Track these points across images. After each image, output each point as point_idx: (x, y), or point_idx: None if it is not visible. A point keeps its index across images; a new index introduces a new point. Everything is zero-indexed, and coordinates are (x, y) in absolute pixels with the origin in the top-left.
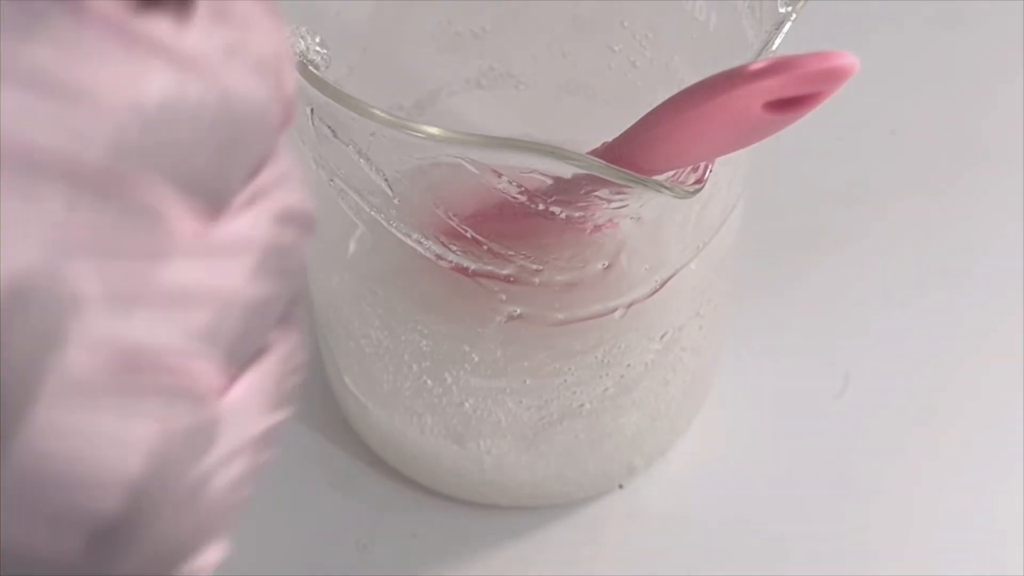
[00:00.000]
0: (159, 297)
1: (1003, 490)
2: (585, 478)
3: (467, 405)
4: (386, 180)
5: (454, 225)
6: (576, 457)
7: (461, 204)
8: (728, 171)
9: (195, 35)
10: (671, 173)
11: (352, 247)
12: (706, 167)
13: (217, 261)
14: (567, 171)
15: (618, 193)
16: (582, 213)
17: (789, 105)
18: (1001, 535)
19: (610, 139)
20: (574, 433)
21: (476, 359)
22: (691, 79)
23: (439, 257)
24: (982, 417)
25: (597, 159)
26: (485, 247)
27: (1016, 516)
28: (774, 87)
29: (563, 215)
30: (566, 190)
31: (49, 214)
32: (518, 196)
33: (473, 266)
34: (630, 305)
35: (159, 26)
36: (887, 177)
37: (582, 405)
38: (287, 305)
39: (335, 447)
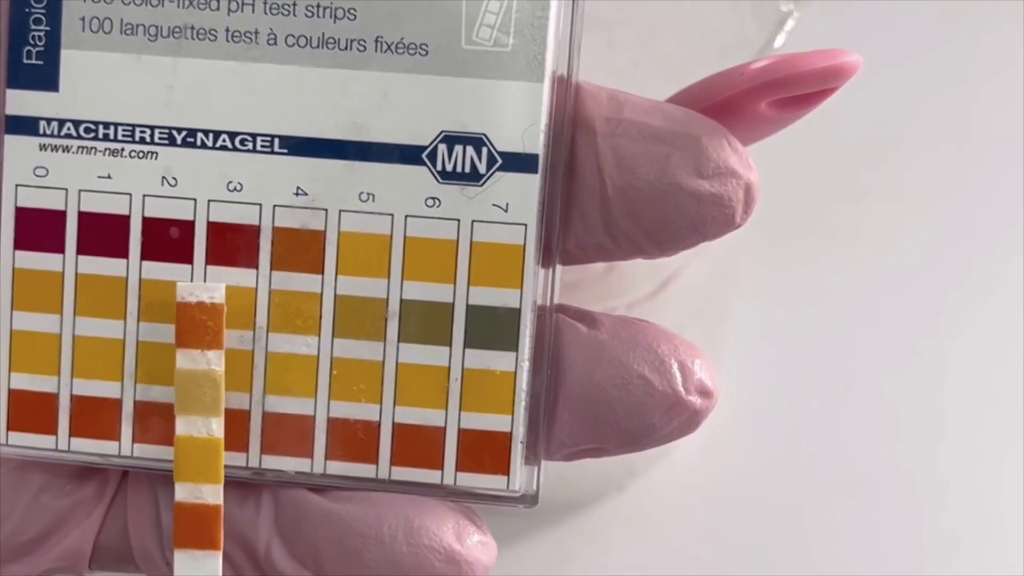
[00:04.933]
0: None
1: (1004, 490)
2: (585, 478)
3: None
4: None
5: None
6: None
7: None
8: None
9: None
10: None
11: None
12: None
13: None
14: None
15: None
16: None
17: (791, 104)
18: (1002, 535)
19: None
20: None
21: None
22: (691, 78)
23: None
24: (983, 417)
25: None
26: None
27: (1017, 516)
28: (776, 86)
29: None
30: None
31: None
32: None
33: None
34: (630, 305)
35: None
36: (888, 178)
37: None
38: None
39: None
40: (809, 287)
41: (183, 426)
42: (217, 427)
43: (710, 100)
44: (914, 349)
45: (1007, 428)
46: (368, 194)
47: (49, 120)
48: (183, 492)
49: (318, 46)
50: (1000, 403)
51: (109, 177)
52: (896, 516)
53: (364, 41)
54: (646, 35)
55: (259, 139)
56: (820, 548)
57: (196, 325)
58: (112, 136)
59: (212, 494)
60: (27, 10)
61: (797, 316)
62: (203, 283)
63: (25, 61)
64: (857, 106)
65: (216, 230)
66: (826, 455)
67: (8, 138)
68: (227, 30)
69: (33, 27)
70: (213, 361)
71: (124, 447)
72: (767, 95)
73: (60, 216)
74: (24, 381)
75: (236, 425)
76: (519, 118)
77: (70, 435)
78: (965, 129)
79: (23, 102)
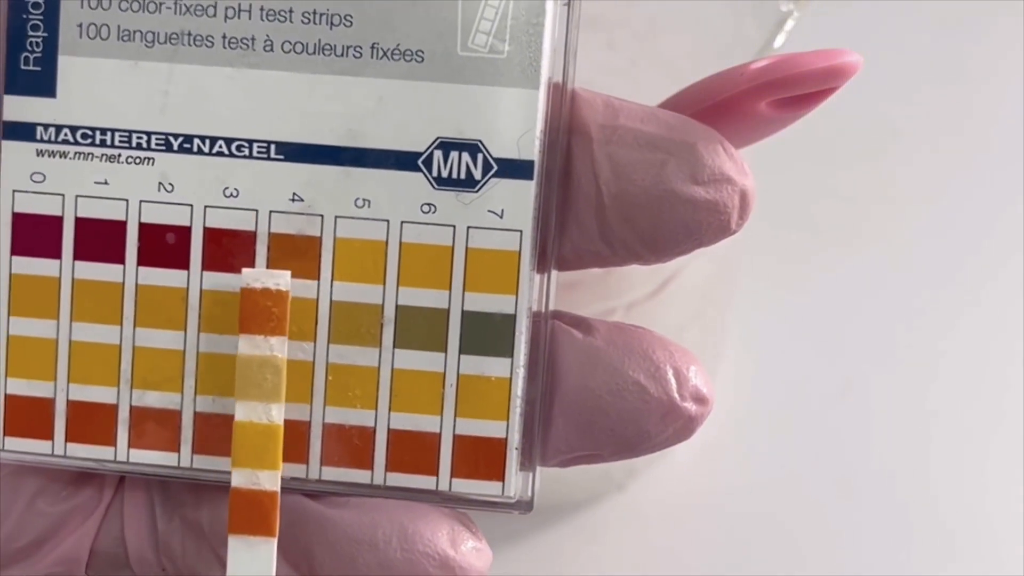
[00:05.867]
0: None
1: (1004, 490)
2: (586, 478)
3: None
4: None
5: None
6: None
7: None
8: None
9: None
10: None
11: None
12: None
13: None
14: None
15: None
16: None
17: (791, 104)
18: (1001, 535)
19: None
20: None
21: None
22: (691, 78)
23: None
24: (984, 418)
25: None
26: None
27: (1016, 516)
28: (775, 86)
29: None
30: None
31: None
32: None
33: None
34: (630, 305)
35: None
36: (888, 177)
37: None
38: None
39: None
40: (809, 287)
41: (242, 412)
42: (277, 413)
43: (710, 100)
44: (915, 349)
45: (1007, 428)
46: (364, 200)
47: (46, 126)
48: (240, 478)
49: (314, 52)
50: (1000, 403)
51: (106, 183)
52: (896, 517)
53: (360, 48)
54: (646, 35)
55: (255, 145)
56: (820, 548)
57: (260, 311)
58: (109, 142)
59: (269, 480)
60: (25, 16)
61: (797, 316)
62: (269, 270)
63: (23, 67)
64: (857, 106)
65: (212, 236)
66: (826, 455)
67: (5, 144)
68: (224, 36)
69: (31, 33)
70: (276, 347)
71: (120, 453)
72: (767, 95)
73: (57, 222)
74: (21, 386)
75: (231, 431)
76: (515, 125)
77: (66, 440)
78: (964, 128)
79: (21, 108)
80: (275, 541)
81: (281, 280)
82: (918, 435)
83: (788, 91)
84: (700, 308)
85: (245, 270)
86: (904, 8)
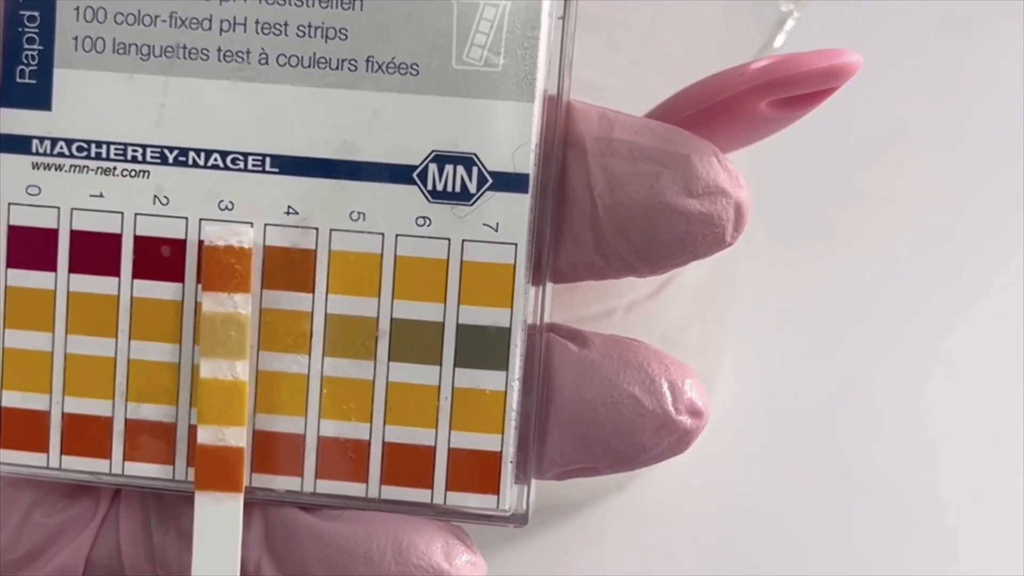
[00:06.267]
0: None
1: (1004, 490)
2: (585, 478)
3: None
4: None
5: None
6: None
7: None
8: None
9: None
10: None
11: None
12: None
13: None
14: None
15: None
16: None
17: (791, 104)
18: (1002, 535)
19: None
20: None
21: None
22: (691, 79)
23: None
24: (983, 416)
25: None
26: None
27: (1017, 516)
28: (775, 86)
29: None
30: None
31: None
32: None
33: None
34: (630, 305)
35: None
36: (887, 177)
37: None
38: None
39: None
40: (809, 287)
41: (207, 369)
42: (241, 370)
43: (710, 100)
44: (915, 349)
45: (1007, 428)
46: (359, 213)
47: (42, 139)
48: (206, 434)
49: (309, 65)
50: (1001, 403)
51: (101, 196)
52: (896, 517)
53: (355, 61)
54: (646, 35)
55: (250, 158)
56: (820, 548)
57: (224, 268)
58: (104, 155)
59: (235, 436)
60: (20, 29)
61: (797, 316)
62: (232, 226)
63: (18, 80)
64: (857, 106)
65: None
66: (827, 455)
67: (1, 157)
68: (219, 49)
69: (26, 46)
70: (239, 304)
71: (115, 465)
72: (767, 95)
73: (52, 234)
74: (16, 399)
75: None
76: (510, 138)
77: (61, 453)
78: (963, 129)
79: (16, 121)
80: (241, 497)
81: (244, 236)
82: (918, 435)
83: (788, 91)
84: (700, 308)
85: (207, 227)
86: (904, 8)
